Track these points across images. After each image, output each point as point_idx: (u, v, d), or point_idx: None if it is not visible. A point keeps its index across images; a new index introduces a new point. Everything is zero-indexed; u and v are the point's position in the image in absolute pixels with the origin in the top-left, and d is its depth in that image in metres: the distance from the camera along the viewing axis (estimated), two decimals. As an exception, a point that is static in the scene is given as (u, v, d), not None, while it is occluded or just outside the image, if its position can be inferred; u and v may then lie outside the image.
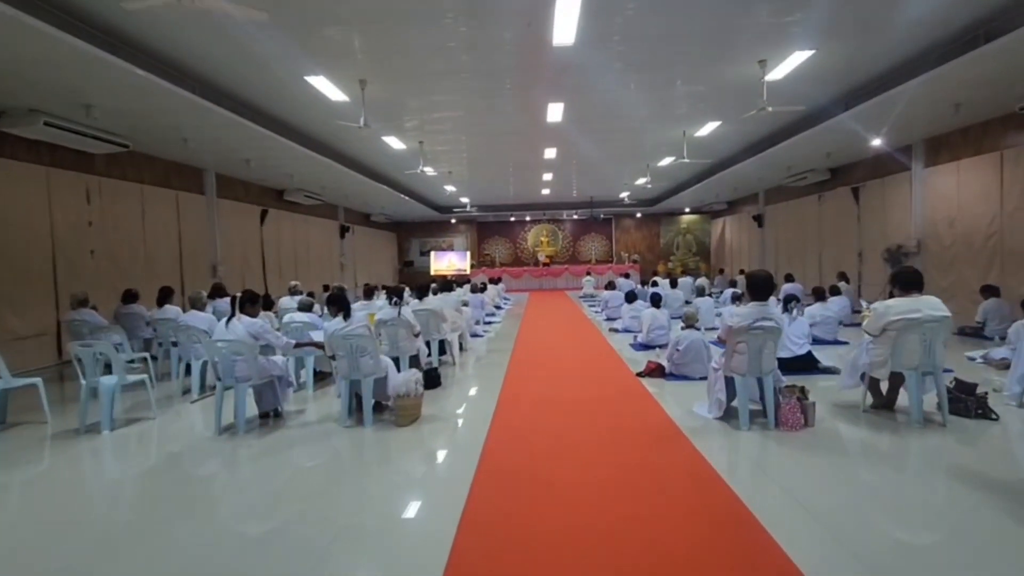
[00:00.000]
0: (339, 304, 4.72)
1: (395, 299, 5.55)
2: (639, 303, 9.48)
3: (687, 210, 24.33)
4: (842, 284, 11.24)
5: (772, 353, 4.10)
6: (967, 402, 4.14)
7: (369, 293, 7.71)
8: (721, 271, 18.58)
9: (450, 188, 17.45)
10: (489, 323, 11.60)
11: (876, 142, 10.74)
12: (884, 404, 4.43)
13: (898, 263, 11.68)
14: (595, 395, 5.62)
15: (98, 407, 4.69)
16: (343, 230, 19.18)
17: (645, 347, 7.73)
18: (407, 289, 7.08)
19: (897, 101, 8.31)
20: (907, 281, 4.07)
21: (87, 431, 4.59)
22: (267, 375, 4.57)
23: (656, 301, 7.76)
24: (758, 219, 19.09)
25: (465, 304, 9.53)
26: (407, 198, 18.26)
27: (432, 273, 24.00)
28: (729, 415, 4.40)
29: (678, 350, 5.79)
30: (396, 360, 5.66)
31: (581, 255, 26.10)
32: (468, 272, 23.49)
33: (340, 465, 3.98)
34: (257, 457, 4.08)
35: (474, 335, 9.57)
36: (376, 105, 8.26)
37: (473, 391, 6.06)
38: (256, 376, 4.46)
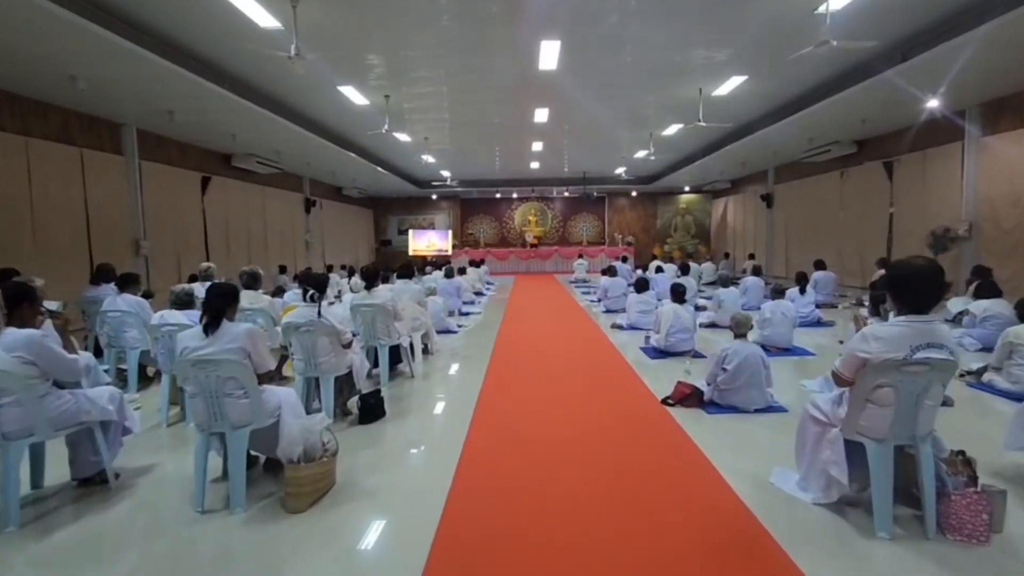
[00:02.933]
0: (214, 305, 2.85)
1: (312, 293, 3.72)
2: (649, 294, 7.73)
3: (686, 189, 22.59)
4: (882, 272, 9.60)
5: (936, 405, 2.36)
6: None
7: (307, 280, 5.84)
8: (727, 255, 16.91)
9: (428, 159, 15.47)
10: (467, 314, 9.81)
11: (932, 103, 8.99)
12: (1087, 479, 2.74)
13: (944, 249, 10.06)
14: (607, 439, 3.88)
15: None
16: (308, 204, 17.16)
17: (662, 353, 6.01)
18: (355, 275, 5.19)
19: (974, 44, 6.56)
20: None
21: None
22: (74, 422, 2.75)
23: (678, 294, 6.00)
24: (767, 199, 17.40)
25: (432, 293, 7.72)
26: (381, 170, 16.29)
27: (411, 253, 22.10)
28: (850, 501, 2.67)
29: (725, 369, 4.05)
30: (315, 382, 3.87)
31: (571, 236, 24.33)
32: (450, 252, 21.62)
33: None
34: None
35: (447, 331, 7.78)
36: (323, 36, 6.38)
37: (430, 426, 4.27)
38: (47, 427, 2.63)
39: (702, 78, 8.84)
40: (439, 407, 4.67)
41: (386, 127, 9.62)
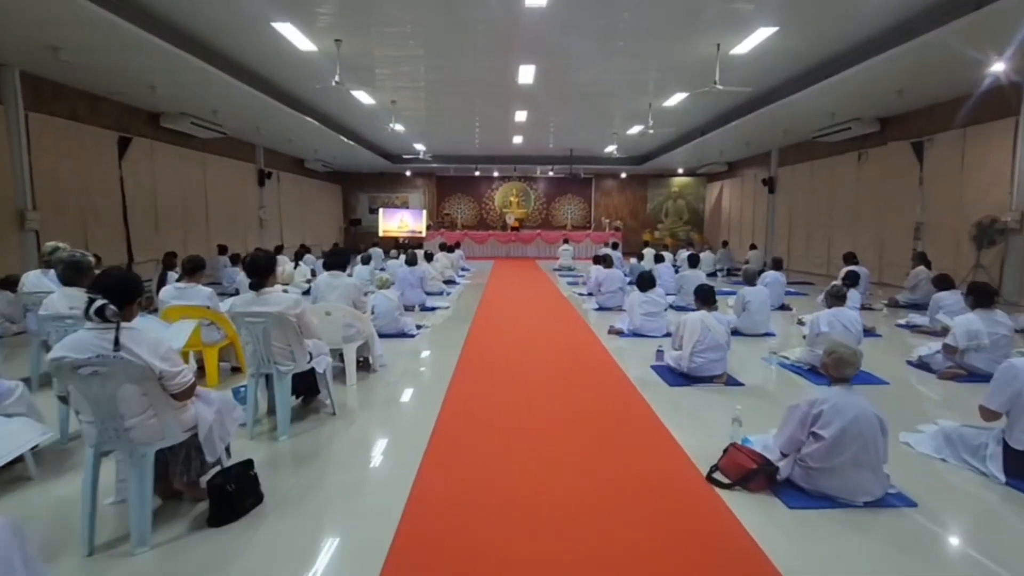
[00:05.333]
0: None
1: (100, 305, 2.01)
2: (656, 293, 6.18)
3: (679, 171, 21.07)
4: (922, 270, 8.23)
5: None
6: None
7: (169, 265, 4.16)
8: (725, 244, 15.49)
9: (397, 127, 13.62)
10: (432, 309, 8.17)
11: (995, 67, 7.49)
12: None
13: (991, 243, 8.69)
14: (620, 537, 2.32)
15: None
16: (262, 176, 15.23)
17: (685, 377, 4.46)
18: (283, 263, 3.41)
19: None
20: None
21: None
22: None
23: (707, 297, 4.43)
24: (769, 183, 15.97)
25: (386, 286, 6.06)
26: (345, 139, 14.43)
27: (380, 234, 20.28)
28: None
29: (817, 435, 2.50)
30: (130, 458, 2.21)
31: (555, 219, 22.72)
32: (423, 234, 19.87)
33: None
34: None
35: (402, 334, 6.14)
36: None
37: (336, 522, 2.58)
38: None
39: (723, 29, 7.26)
40: (362, 477, 3.03)
41: (337, 78, 7.84)
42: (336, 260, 4.43)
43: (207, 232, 12.57)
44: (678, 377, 4.52)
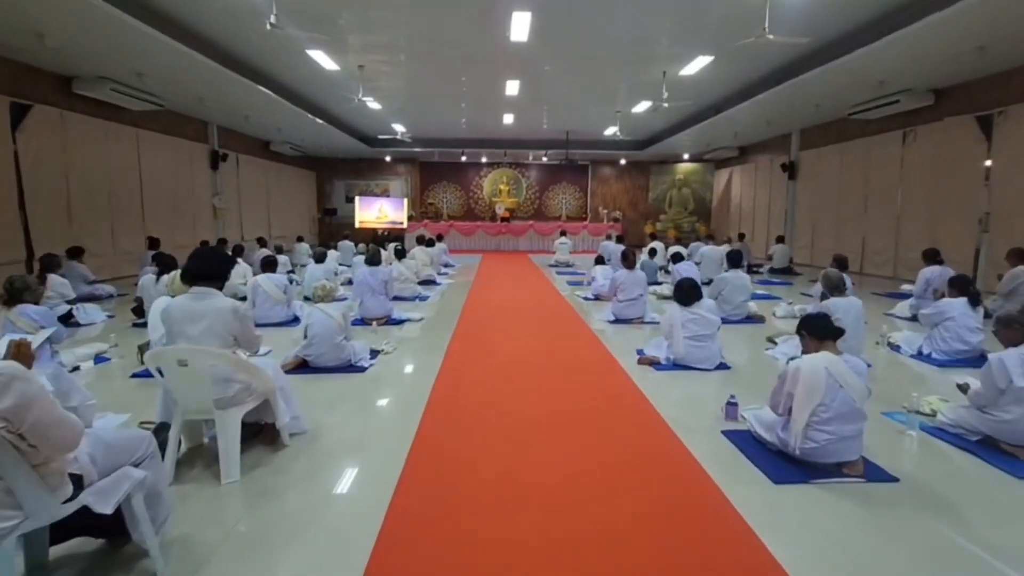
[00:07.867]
0: None
1: None
2: (705, 307, 4.41)
3: (685, 157, 19.33)
4: (1022, 271, 6.54)
5: None
6: None
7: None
8: (742, 236, 13.78)
9: (370, 102, 11.74)
10: (400, 321, 6.35)
11: None
12: None
13: (1097, 236, 7.01)
14: None
15: None
16: (216, 157, 13.25)
17: (793, 463, 2.70)
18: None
19: None
20: None
21: None
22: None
23: (827, 331, 2.67)
24: (789, 168, 14.27)
25: (326, 297, 4.24)
26: (310, 116, 12.49)
27: (357, 225, 18.37)
28: None
29: None
30: None
31: (549, 209, 20.94)
32: (405, 225, 18.00)
33: None
34: None
35: (350, 367, 4.33)
36: None
37: None
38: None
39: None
40: None
41: (272, 19, 5.96)
42: (203, 268, 2.56)
43: (142, 222, 10.66)
44: (780, 461, 2.76)
